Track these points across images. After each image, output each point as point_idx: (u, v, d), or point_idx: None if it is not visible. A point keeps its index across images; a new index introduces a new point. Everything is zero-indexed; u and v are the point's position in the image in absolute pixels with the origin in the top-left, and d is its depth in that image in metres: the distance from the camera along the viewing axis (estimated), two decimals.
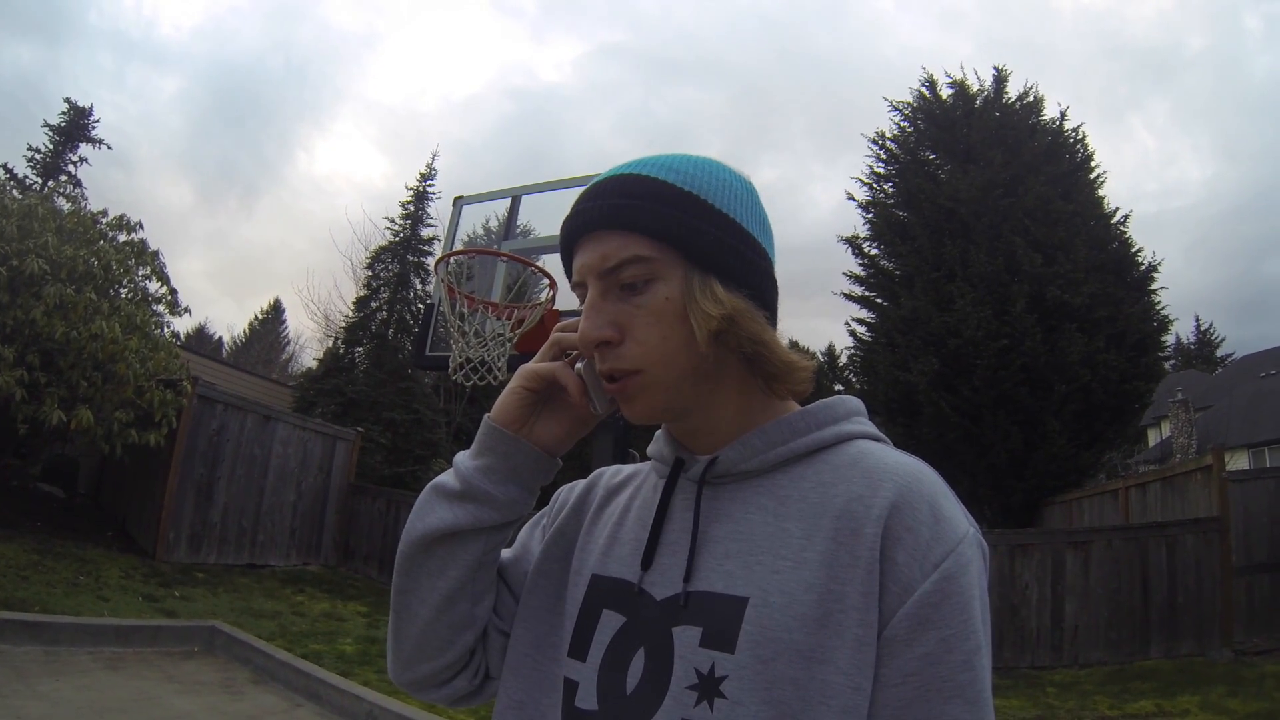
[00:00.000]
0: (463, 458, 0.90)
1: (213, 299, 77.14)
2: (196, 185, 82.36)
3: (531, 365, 0.89)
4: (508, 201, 4.16)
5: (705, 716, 0.71)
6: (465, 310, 3.27)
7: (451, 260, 3.46)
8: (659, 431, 0.93)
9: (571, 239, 0.84)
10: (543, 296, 3.38)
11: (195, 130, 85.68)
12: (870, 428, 0.86)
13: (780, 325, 0.86)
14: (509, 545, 1.00)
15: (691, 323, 0.77)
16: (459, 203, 4.30)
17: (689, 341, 0.78)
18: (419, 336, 4.38)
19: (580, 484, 1.02)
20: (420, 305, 17.86)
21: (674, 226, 0.78)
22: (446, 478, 0.90)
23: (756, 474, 0.82)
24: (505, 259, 3.55)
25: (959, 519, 0.74)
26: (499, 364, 3.19)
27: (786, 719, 0.69)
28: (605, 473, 1.02)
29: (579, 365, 0.86)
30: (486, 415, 0.91)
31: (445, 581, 0.87)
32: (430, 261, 17.80)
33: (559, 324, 0.90)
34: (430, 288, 16.96)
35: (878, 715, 0.68)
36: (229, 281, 75.89)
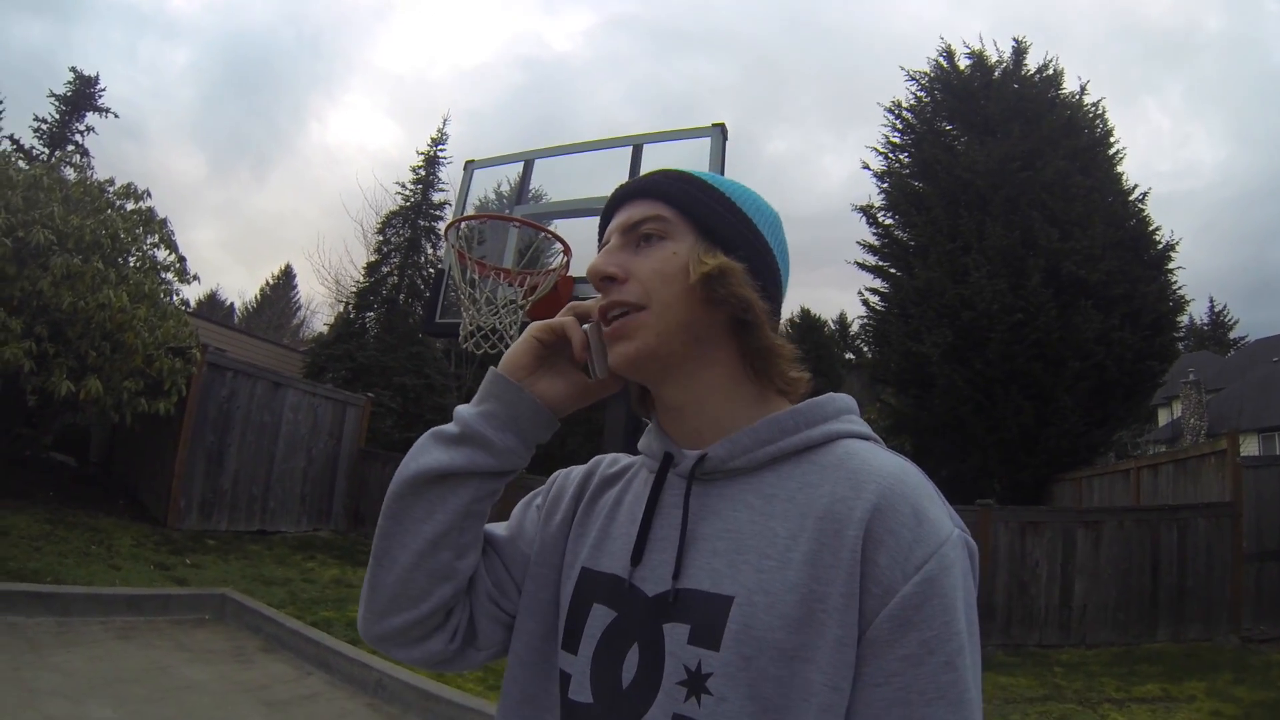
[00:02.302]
0: (464, 407, 0.91)
1: (225, 267, 77.68)
2: (210, 156, 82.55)
3: (544, 320, 0.92)
4: (520, 166, 4.08)
5: (694, 711, 0.72)
6: (476, 276, 3.19)
7: (462, 226, 3.37)
8: (649, 425, 0.94)
9: (609, 209, 0.93)
10: (555, 263, 3.30)
11: (208, 102, 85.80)
12: (860, 426, 0.86)
13: (789, 295, 0.93)
14: (503, 520, 1.01)
15: (690, 276, 0.83)
16: (470, 167, 4.21)
17: (687, 293, 0.83)
18: (429, 302, 4.31)
19: (577, 472, 1.03)
20: (431, 270, 17.78)
21: (692, 202, 0.87)
22: (446, 425, 0.90)
23: (745, 472, 0.83)
24: (517, 224, 3.47)
25: (943, 520, 0.74)
26: (511, 332, 3.12)
27: (770, 714, 0.70)
28: (602, 462, 1.03)
29: (586, 326, 0.90)
30: (492, 367, 0.93)
31: (431, 526, 0.86)
32: (441, 226, 17.69)
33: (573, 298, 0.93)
34: (441, 253, 16.87)
35: (859, 715, 0.69)
36: (241, 250, 76.33)
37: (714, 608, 0.75)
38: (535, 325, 0.92)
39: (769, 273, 0.88)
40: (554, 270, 3.22)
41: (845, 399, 0.88)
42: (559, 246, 3.31)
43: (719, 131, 3.35)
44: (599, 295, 0.88)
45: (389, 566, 0.87)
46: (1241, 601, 7.50)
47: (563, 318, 0.91)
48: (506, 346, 3.14)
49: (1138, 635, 7.56)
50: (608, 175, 3.87)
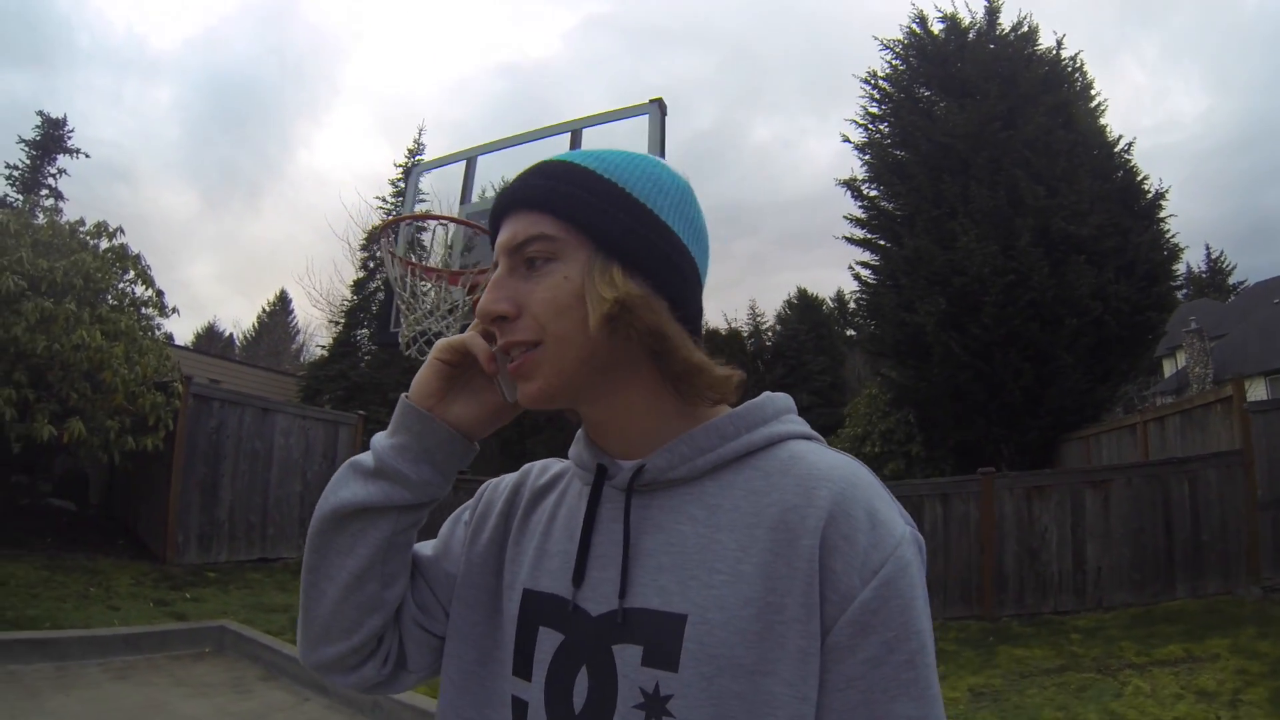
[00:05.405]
0: (379, 437, 0.87)
1: (223, 299, 78.01)
2: (201, 191, 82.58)
3: (446, 338, 0.87)
4: (463, 165, 3.98)
5: None
6: (409, 279, 3.09)
7: (402, 228, 3.27)
8: (579, 433, 0.90)
9: (495, 221, 0.84)
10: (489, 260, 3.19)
11: (195, 139, 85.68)
12: (801, 426, 0.84)
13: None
14: (433, 537, 0.99)
15: (587, 305, 0.76)
16: (415, 170, 4.14)
17: (584, 325, 0.76)
18: (382, 313, 4.23)
19: (507, 482, 0.99)
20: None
21: (580, 209, 0.78)
22: (363, 455, 0.87)
23: (685, 481, 0.80)
24: (444, 222, 3.38)
25: (895, 521, 0.73)
26: (451, 334, 3.02)
27: None
28: (532, 470, 0.99)
29: (496, 348, 0.84)
30: (404, 394, 0.87)
31: (354, 560, 0.84)
32: (427, 236, 17.80)
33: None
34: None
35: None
36: (240, 281, 76.61)
37: (666, 627, 0.73)
38: (439, 345, 0.86)
39: (679, 278, 0.80)
40: (486, 271, 3.12)
41: (784, 398, 0.86)
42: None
43: (656, 107, 3.25)
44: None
45: (318, 599, 0.85)
46: (1260, 551, 7.32)
47: (468, 333, 0.84)
48: None
49: (1156, 594, 7.37)
50: None
